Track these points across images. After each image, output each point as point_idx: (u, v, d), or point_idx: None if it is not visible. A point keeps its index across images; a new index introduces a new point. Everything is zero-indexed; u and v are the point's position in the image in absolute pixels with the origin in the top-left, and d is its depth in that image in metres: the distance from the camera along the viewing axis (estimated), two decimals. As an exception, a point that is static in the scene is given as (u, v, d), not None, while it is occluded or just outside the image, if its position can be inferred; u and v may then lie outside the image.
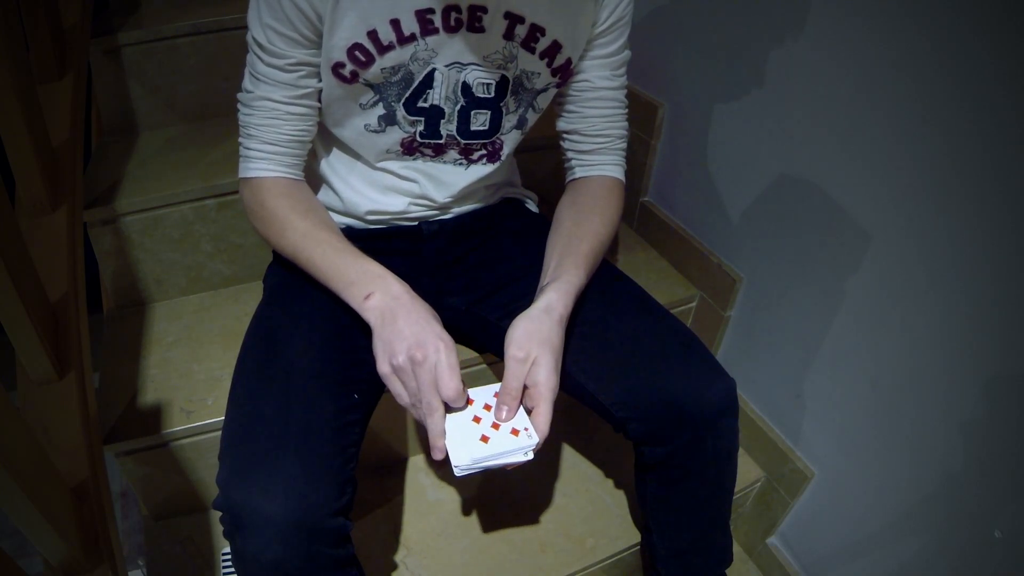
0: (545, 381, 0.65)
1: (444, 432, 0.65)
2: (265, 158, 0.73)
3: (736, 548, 1.06)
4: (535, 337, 0.66)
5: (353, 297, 0.69)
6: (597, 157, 0.82)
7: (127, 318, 1.06)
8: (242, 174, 0.75)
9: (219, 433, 0.66)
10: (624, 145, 0.83)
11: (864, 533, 0.93)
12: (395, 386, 0.66)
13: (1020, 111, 0.62)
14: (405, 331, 0.65)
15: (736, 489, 0.86)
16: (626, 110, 0.82)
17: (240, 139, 0.74)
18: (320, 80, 0.71)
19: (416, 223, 0.85)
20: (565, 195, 0.84)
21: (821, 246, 0.89)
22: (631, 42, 0.80)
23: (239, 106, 0.73)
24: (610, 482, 1.06)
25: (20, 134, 0.76)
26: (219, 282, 1.11)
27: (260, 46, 0.68)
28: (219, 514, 0.61)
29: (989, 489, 0.75)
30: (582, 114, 0.81)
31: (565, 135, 0.84)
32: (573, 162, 0.84)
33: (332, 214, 0.84)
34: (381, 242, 0.85)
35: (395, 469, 1.07)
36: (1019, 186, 0.64)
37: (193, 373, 0.95)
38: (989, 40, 0.63)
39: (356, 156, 0.80)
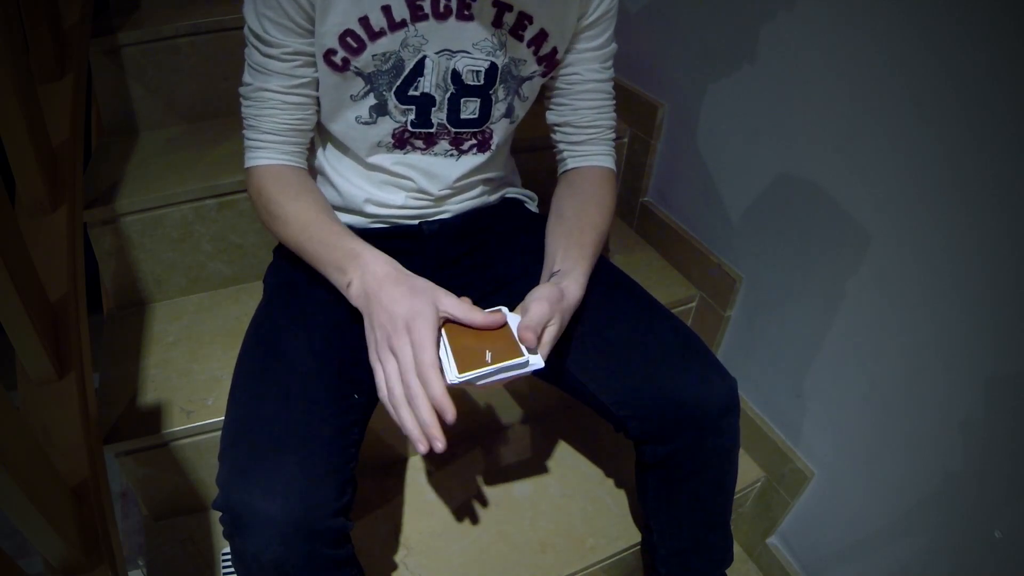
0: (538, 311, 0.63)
1: (417, 425, 0.58)
2: (264, 147, 0.74)
3: (736, 548, 1.06)
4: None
5: (338, 284, 0.68)
6: (589, 147, 0.84)
7: (127, 318, 1.06)
8: (245, 165, 0.76)
9: (219, 433, 0.66)
10: (613, 136, 0.85)
11: (864, 533, 0.93)
12: (377, 377, 0.62)
13: (1018, 112, 0.62)
14: (382, 316, 0.62)
15: (736, 489, 0.86)
16: (614, 101, 0.84)
17: (243, 131, 0.75)
18: (317, 70, 0.72)
19: (416, 223, 0.85)
20: (561, 186, 0.85)
21: (821, 246, 0.89)
22: (632, 42, 0.81)
23: (241, 100, 0.74)
24: (610, 482, 1.06)
25: (20, 134, 0.76)
26: (219, 282, 1.11)
27: (257, 36, 0.69)
28: (219, 514, 0.61)
29: (989, 489, 0.75)
30: (573, 106, 0.82)
31: (556, 127, 0.85)
32: (565, 153, 0.86)
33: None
34: (381, 242, 0.84)
35: (395, 469, 1.07)
36: (1017, 186, 0.64)
37: (193, 373, 0.95)
38: (987, 41, 0.64)
39: (349, 152, 0.80)
